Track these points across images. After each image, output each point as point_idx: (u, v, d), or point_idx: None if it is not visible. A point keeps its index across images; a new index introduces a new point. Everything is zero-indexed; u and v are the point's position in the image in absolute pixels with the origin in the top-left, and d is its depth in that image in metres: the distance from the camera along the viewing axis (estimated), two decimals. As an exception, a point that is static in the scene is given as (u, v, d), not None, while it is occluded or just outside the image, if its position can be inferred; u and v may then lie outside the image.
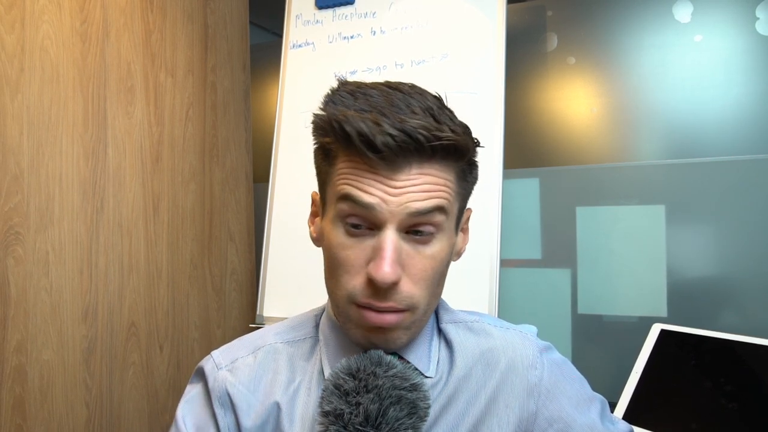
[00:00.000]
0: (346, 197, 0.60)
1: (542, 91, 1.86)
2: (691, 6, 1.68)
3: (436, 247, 0.62)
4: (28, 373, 1.34)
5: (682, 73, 1.69)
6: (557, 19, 1.84)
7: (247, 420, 0.67)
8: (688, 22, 1.68)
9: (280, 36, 1.82)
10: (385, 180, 0.59)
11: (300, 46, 1.78)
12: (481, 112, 1.53)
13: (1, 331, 1.29)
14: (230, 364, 0.71)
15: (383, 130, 0.57)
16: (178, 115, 1.77)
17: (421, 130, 0.57)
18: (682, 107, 1.69)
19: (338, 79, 0.66)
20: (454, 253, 0.69)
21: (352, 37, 1.72)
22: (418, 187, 0.59)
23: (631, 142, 1.75)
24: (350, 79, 0.71)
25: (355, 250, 0.61)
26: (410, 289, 0.61)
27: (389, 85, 0.64)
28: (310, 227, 0.72)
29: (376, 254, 0.59)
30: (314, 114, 0.63)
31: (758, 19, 1.61)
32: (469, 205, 0.69)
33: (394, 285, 0.60)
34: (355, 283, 0.61)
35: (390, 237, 0.59)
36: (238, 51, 2.02)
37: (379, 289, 0.60)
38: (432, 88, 0.65)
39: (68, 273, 1.44)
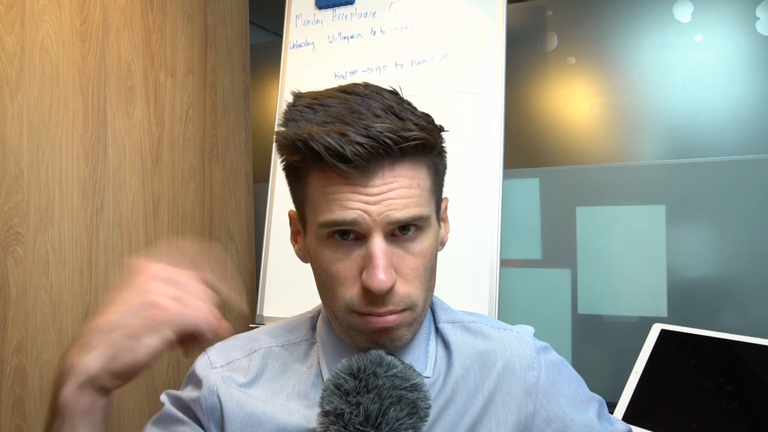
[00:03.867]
0: (328, 219, 0.60)
1: (542, 91, 1.85)
2: (691, 6, 1.68)
3: (424, 244, 0.63)
4: (28, 373, 1.34)
5: (683, 73, 1.69)
6: (557, 19, 1.84)
7: (232, 426, 0.66)
8: (689, 21, 1.68)
9: (280, 36, 1.82)
10: (361, 189, 0.59)
11: (300, 46, 1.78)
12: (481, 112, 1.52)
13: (1, 331, 1.29)
14: (225, 365, 0.71)
15: (351, 140, 0.56)
16: (178, 115, 1.76)
17: (387, 134, 0.57)
18: (682, 107, 1.68)
19: (292, 93, 0.66)
20: (439, 243, 0.69)
21: (352, 37, 1.72)
22: (395, 192, 0.59)
23: (632, 142, 1.74)
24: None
25: (345, 263, 0.61)
26: (406, 289, 0.62)
27: (345, 90, 0.63)
28: (294, 246, 0.71)
29: (367, 263, 0.59)
30: (276, 132, 0.62)
31: (758, 18, 1.61)
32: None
33: (390, 289, 0.60)
34: (351, 293, 0.61)
35: (378, 245, 0.59)
36: (238, 51, 2.02)
37: (376, 297, 0.60)
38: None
39: (68, 273, 1.44)
